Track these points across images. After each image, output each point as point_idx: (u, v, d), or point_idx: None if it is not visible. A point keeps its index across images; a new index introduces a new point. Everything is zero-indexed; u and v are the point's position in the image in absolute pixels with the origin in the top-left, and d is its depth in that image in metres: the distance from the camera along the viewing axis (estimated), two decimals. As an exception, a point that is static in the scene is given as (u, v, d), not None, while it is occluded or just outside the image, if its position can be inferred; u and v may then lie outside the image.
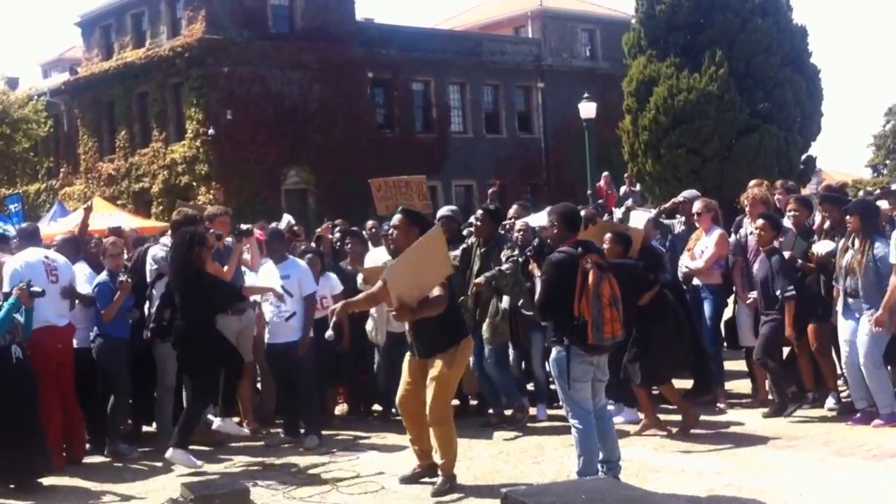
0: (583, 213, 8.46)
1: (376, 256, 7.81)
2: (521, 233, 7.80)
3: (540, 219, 8.75)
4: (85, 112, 32.30)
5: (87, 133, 32.29)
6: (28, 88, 35.05)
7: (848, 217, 6.74)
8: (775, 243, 7.09)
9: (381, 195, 8.81)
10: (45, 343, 6.53)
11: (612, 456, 5.51)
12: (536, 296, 5.56)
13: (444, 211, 8.20)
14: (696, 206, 7.96)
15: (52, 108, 32.39)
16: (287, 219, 10.76)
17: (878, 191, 10.74)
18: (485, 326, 7.23)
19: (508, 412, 7.47)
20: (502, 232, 7.70)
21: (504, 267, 7.09)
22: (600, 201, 17.99)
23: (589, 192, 20.33)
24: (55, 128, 32.87)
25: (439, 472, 5.72)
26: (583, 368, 5.35)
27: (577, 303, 5.15)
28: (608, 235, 6.95)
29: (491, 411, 7.59)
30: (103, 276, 7.11)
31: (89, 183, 31.85)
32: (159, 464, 6.76)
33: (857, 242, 6.65)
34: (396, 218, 5.88)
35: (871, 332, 6.56)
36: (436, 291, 5.54)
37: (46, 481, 6.27)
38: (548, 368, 7.94)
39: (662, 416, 6.97)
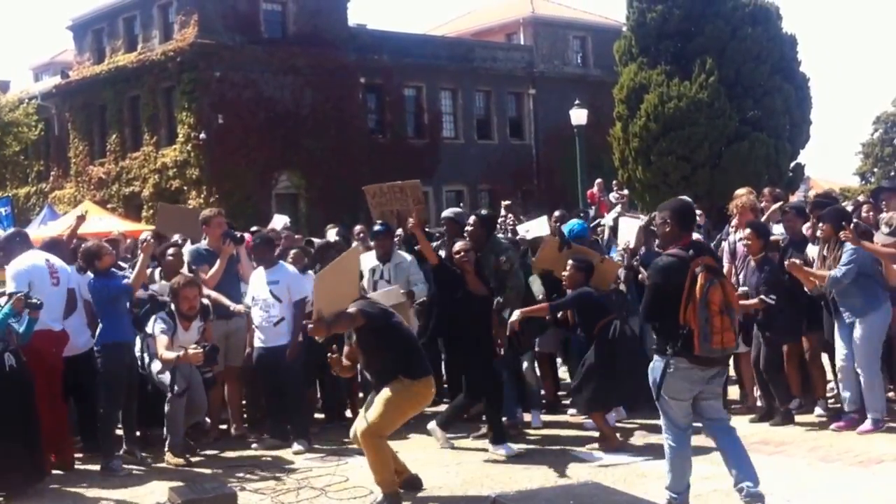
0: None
1: (366, 261, 7.82)
2: (470, 227, 7.34)
3: (541, 227, 8.66)
4: (76, 115, 32.25)
5: (77, 136, 32.23)
6: (19, 92, 34.99)
7: (821, 225, 6.81)
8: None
9: (376, 201, 8.76)
10: (41, 347, 6.43)
11: (749, 476, 4.88)
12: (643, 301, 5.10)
13: (447, 213, 8.28)
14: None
15: (43, 111, 32.33)
16: (283, 221, 10.72)
17: (862, 197, 10.79)
18: None
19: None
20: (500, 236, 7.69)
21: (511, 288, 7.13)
22: (592, 207, 18.04)
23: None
24: (46, 131, 32.80)
25: (378, 487, 5.58)
26: (679, 385, 4.86)
27: (684, 310, 4.70)
28: (570, 262, 7.03)
29: (485, 419, 7.48)
30: (79, 276, 6.97)
31: (80, 186, 31.79)
32: (147, 468, 6.76)
33: (832, 250, 6.71)
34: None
35: (865, 337, 6.62)
36: (350, 308, 5.50)
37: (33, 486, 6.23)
38: (538, 373, 8.01)
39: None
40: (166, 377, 6.86)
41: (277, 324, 7.24)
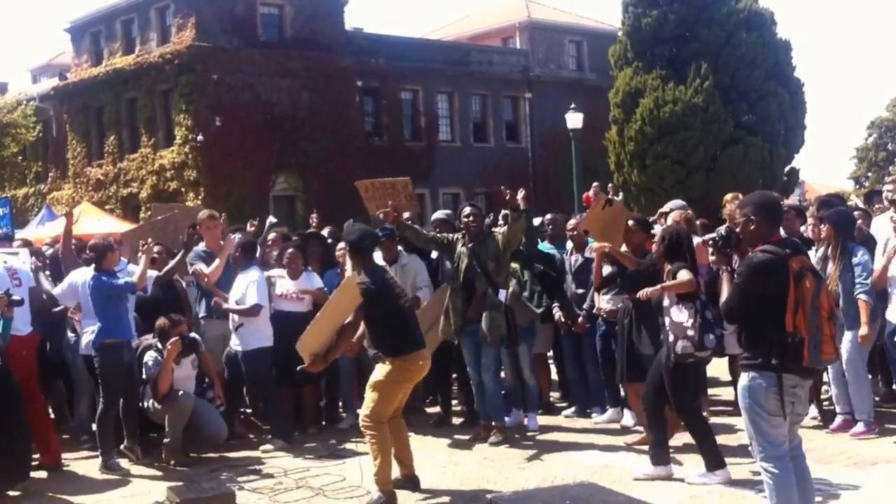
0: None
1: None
2: (469, 218, 7.24)
3: None
4: (74, 117, 32.25)
5: (75, 138, 32.23)
6: (17, 93, 34.92)
7: (823, 226, 6.86)
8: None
9: (370, 196, 8.82)
10: (11, 352, 6.37)
11: None
12: (723, 297, 4.47)
13: (439, 214, 8.43)
14: (669, 220, 8.03)
15: (41, 113, 32.32)
16: (270, 219, 10.66)
17: (857, 202, 10.86)
18: (483, 320, 6.93)
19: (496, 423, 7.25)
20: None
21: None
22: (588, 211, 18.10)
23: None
24: (44, 132, 32.80)
25: (375, 485, 5.64)
26: (777, 404, 4.23)
27: (793, 315, 4.12)
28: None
29: (482, 422, 7.40)
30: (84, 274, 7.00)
31: (78, 188, 31.78)
32: (146, 467, 6.79)
33: (832, 252, 6.75)
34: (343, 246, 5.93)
35: (856, 345, 6.68)
36: (348, 318, 5.68)
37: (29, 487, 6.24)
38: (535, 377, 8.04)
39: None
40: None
41: (237, 328, 7.44)
